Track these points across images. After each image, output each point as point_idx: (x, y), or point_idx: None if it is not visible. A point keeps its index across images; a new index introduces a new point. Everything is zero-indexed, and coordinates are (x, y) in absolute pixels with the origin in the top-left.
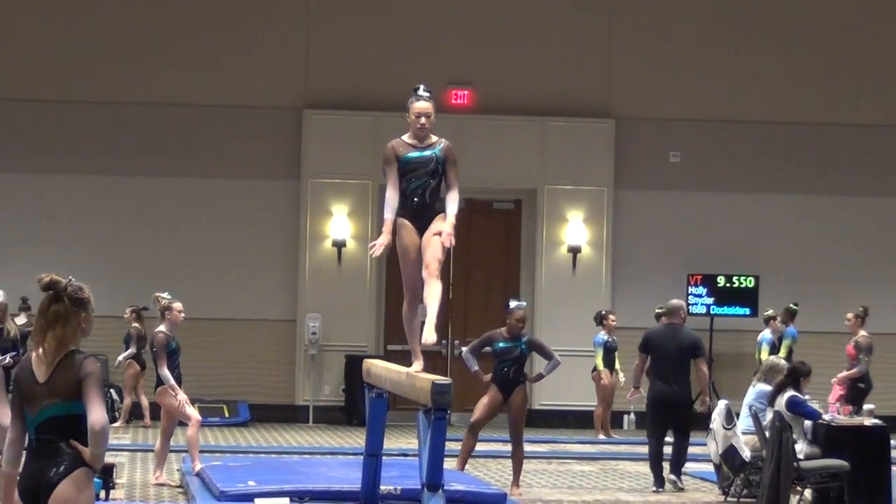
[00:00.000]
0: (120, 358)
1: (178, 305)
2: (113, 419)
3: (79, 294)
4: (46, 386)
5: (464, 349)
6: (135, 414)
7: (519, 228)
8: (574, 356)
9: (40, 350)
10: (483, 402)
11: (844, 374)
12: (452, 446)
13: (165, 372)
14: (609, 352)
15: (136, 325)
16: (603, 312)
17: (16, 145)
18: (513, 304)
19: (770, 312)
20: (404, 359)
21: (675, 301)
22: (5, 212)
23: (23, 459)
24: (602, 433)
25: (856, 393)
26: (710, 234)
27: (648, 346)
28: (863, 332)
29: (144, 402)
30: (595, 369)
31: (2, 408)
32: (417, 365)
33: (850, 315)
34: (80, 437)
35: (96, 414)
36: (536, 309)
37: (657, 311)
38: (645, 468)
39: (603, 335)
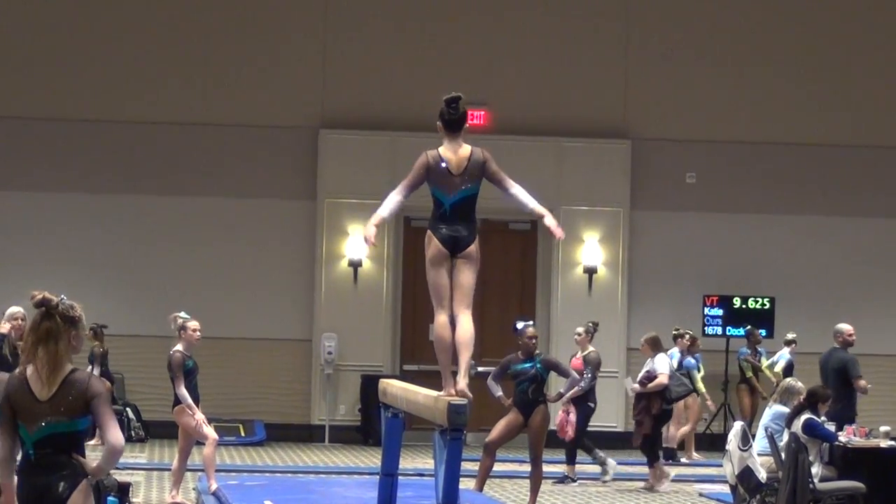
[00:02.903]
0: None
1: (193, 325)
2: (129, 438)
3: (70, 312)
4: (49, 404)
5: (488, 378)
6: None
7: (535, 249)
8: None
9: (33, 367)
10: (501, 423)
11: (569, 393)
12: (468, 466)
13: (183, 391)
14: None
15: (96, 342)
16: (688, 337)
17: (31, 164)
18: (520, 324)
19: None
20: (420, 378)
21: (839, 324)
22: (20, 231)
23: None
24: (693, 453)
25: (587, 412)
26: (726, 256)
27: (820, 370)
28: (591, 348)
29: None
30: (694, 393)
31: None
32: (453, 386)
33: (580, 329)
34: (79, 451)
35: (115, 434)
36: (552, 330)
37: (674, 332)
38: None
39: (690, 358)
